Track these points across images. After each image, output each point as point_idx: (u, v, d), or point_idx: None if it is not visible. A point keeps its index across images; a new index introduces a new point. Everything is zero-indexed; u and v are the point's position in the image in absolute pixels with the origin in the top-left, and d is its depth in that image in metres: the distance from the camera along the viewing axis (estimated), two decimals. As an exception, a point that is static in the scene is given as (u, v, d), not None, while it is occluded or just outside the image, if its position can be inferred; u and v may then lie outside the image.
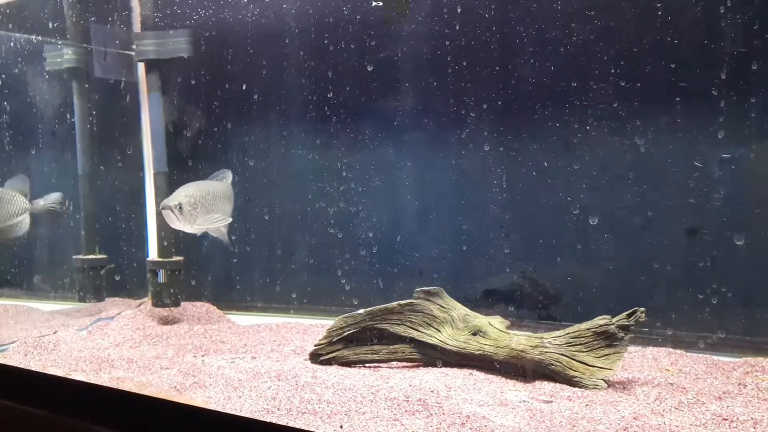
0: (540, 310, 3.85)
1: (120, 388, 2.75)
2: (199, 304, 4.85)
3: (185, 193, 3.86)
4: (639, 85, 3.48)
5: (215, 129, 4.71)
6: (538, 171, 3.81)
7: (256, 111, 4.61)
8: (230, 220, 4.03)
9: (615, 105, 3.54)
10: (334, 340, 3.34)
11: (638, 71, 3.46)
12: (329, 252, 4.55)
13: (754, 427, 2.29)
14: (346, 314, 3.37)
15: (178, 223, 3.84)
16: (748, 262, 3.31)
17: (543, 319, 3.83)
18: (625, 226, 3.62)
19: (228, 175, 4.33)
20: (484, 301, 3.99)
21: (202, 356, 3.64)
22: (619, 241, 3.64)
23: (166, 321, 4.53)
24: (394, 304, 3.34)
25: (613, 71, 3.50)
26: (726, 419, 2.35)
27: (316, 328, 4.27)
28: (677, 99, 3.41)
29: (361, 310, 3.38)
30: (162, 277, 4.44)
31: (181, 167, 4.63)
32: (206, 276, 4.88)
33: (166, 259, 4.48)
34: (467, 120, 3.98)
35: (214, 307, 4.83)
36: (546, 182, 3.79)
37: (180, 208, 3.78)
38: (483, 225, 4.03)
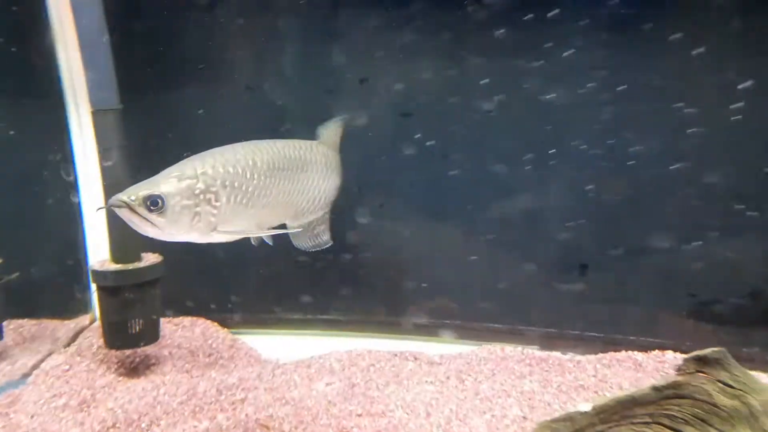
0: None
1: None
2: (187, 322, 2.86)
3: (186, 169, 1.76)
4: None
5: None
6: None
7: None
8: (290, 230, 2.02)
9: None
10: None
11: None
12: (394, 237, 2.72)
13: None
14: (557, 417, 1.65)
15: (155, 230, 1.73)
16: None
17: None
18: None
19: (330, 130, 2.26)
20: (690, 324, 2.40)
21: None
22: None
23: (135, 370, 2.53)
24: (646, 388, 1.68)
25: None
26: None
27: (408, 362, 2.51)
28: None
29: (585, 405, 1.67)
30: (121, 297, 2.39)
31: (150, 98, 2.48)
32: (194, 276, 2.86)
33: (129, 267, 2.41)
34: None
35: (215, 325, 2.86)
36: None
37: (156, 203, 1.71)
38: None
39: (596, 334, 2.51)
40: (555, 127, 2.42)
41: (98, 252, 2.74)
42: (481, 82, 2.47)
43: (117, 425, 2.04)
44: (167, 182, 1.72)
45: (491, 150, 2.53)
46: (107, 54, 2.29)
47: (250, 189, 1.84)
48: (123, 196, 1.68)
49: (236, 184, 1.81)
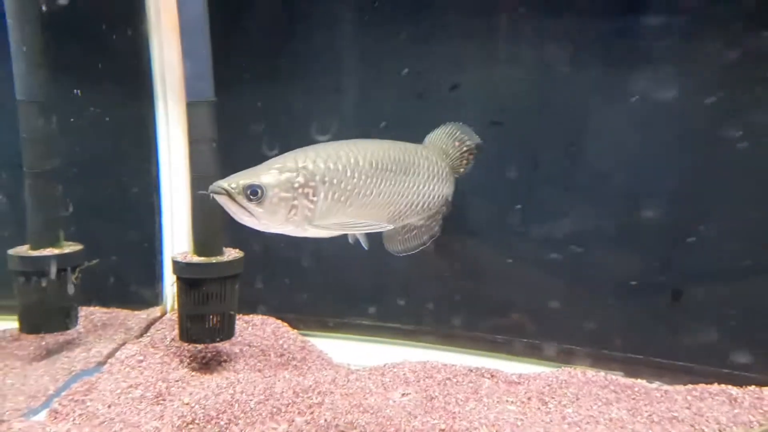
0: None
1: None
2: (257, 320, 2.81)
3: (288, 162, 1.76)
4: None
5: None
6: None
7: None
8: (387, 227, 1.93)
9: None
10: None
11: None
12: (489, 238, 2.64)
13: None
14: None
15: (252, 220, 1.74)
16: None
17: None
18: None
19: (438, 137, 2.22)
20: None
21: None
22: None
23: (207, 366, 2.48)
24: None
25: None
26: None
27: (485, 379, 2.41)
28: None
29: None
30: (202, 290, 2.34)
31: (242, 95, 2.45)
32: (264, 273, 2.81)
33: (213, 260, 2.37)
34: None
35: (285, 325, 2.81)
36: None
37: (255, 193, 1.69)
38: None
39: (684, 364, 2.38)
40: (656, 138, 2.32)
41: (173, 245, 2.71)
42: (578, 91, 2.39)
43: (196, 421, 1.98)
44: (268, 173, 1.72)
45: (581, 162, 2.43)
46: (207, 45, 2.27)
47: (349, 187, 1.82)
48: (224, 183, 1.69)
49: (335, 181, 1.79)
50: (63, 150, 2.36)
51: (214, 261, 2.28)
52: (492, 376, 2.44)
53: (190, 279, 2.26)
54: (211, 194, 1.70)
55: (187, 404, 2.10)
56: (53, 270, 2.30)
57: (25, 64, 2.29)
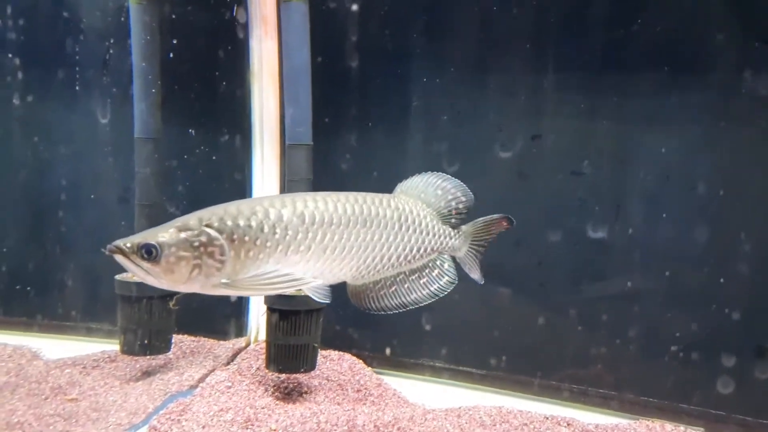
0: None
1: None
2: (334, 354, 2.91)
3: (190, 221, 1.72)
4: None
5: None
6: None
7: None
8: (311, 282, 1.82)
9: None
10: None
11: None
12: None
13: None
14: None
15: (151, 279, 1.71)
16: None
17: None
18: None
19: (411, 185, 2.01)
20: None
21: None
22: None
23: (289, 396, 2.58)
24: None
25: None
26: None
27: (561, 427, 2.41)
28: None
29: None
30: (292, 321, 2.47)
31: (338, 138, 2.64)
32: (338, 309, 2.93)
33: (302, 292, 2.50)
34: None
35: (360, 362, 2.90)
36: None
37: (150, 252, 1.67)
38: None
39: (769, 423, 2.35)
40: (732, 193, 2.37)
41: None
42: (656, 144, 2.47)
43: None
44: (166, 232, 1.68)
45: (661, 215, 2.50)
46: (308, 93, 2.48)
47: (269, 244, 1.73)
48: (120, 242, 1.67)
49: (247, 239, 1.71)
50: (171, 184, 2.58)
51: (303, 294, 2.41)
52: (568, 424, 2.45)
53: (279, 310, 2.39)
54: (108, 252, 1.68)
55: (275, 430, 2.20)
56: (156, 296, 2.48)
57: (145, 105, 2.55)
